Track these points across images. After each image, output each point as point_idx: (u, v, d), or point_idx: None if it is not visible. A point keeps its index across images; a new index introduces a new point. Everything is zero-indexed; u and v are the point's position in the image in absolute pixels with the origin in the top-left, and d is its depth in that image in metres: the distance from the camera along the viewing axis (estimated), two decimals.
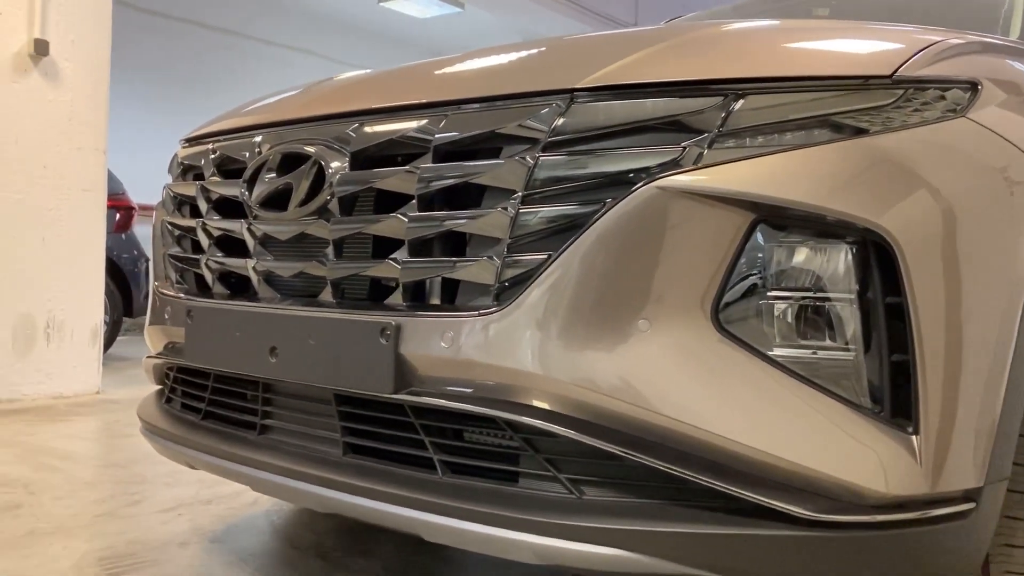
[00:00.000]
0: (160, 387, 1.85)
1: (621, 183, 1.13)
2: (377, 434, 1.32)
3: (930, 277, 1.10)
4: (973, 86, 1.22)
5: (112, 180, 5.28)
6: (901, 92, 1.15)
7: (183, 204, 1.70)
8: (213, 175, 1.60)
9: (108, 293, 5.15)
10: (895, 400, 1.11)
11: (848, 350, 1.11)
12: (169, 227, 1.71)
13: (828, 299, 1.12)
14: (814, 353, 1.11)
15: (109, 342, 5.38)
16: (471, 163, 1.22)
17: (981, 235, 1.16)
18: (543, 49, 1.41)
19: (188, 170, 1.72)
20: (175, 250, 1.69)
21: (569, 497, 1.15)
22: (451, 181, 1.23)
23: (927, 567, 1.14)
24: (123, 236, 5.58)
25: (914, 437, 1.10)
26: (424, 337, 1.21)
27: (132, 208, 5.70)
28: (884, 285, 1.10)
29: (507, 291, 1.17)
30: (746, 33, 1.31)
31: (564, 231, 1.14)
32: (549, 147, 1.17)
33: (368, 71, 1.72)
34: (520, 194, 1.16)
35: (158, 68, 9.21)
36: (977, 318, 1.14)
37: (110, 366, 4.97)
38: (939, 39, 1.27)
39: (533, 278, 1.14)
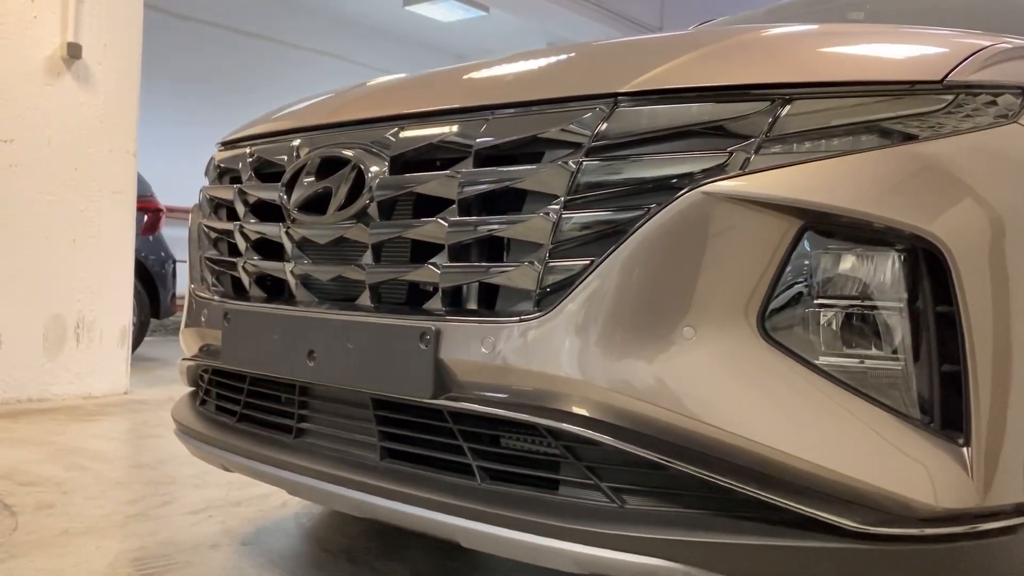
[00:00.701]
0: (194, 389, 1.85)
1: (666, 188, 1.12)
2: (415, 439, 1.31)
3: (982, 285, 1.08)
4: None
5: (140, 182, 5.32)
6: (952, 97, 1.13)
7: (220, 207, 1.70)
8: (250, 178, 1.61)
9: (135, 294, 5.20)
10: (945, 411, 1.09)
11: (897, 359, 1.09)
12: (206, 230, 1.72)
13: (876, 307, 1.10)
14: (861, 362, 1.09)
15: (136, 343, 5.43)
16: (513, 168, 1.21)
17: None
18: (583, 53, 1.40)
19: (225, 173, 1.72)
20: (212, 253, 1.70)
21: (610, 506, 1.14)
22: (492, 185, 1.22)
23: None
24: (151, 238, 5.63)
25: (965, 449, 1.08)
26: (464, 342, 1.20)
27: (160, 210, 5.75)
28: (934, 293, 1.08)
29: (548, 297, 1.16)
30: (792, 37, 1.30)
31: (607, 237, 1.13)
32: (592, 152, 1.16)
33: (403, 75, 1.72)
34: (562, 199, 1.16)
35: (186, 71, 9.31)
36: None
37: (137, 367, 5.02)
38: (988, 43, 1.25)
39: (575, 284, 1.14)
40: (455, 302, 1.26)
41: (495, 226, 1.21)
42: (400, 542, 2.10)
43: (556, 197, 1.16)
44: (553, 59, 1.40)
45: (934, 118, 1.12)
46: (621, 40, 1.48)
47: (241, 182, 1.63)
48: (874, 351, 1.10)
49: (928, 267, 1.08)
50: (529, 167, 1.20)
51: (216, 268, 1.68)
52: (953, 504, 1.07)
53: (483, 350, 1.18)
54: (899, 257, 1.09)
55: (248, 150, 1.66)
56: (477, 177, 1.23)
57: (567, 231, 1.15)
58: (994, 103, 1.16)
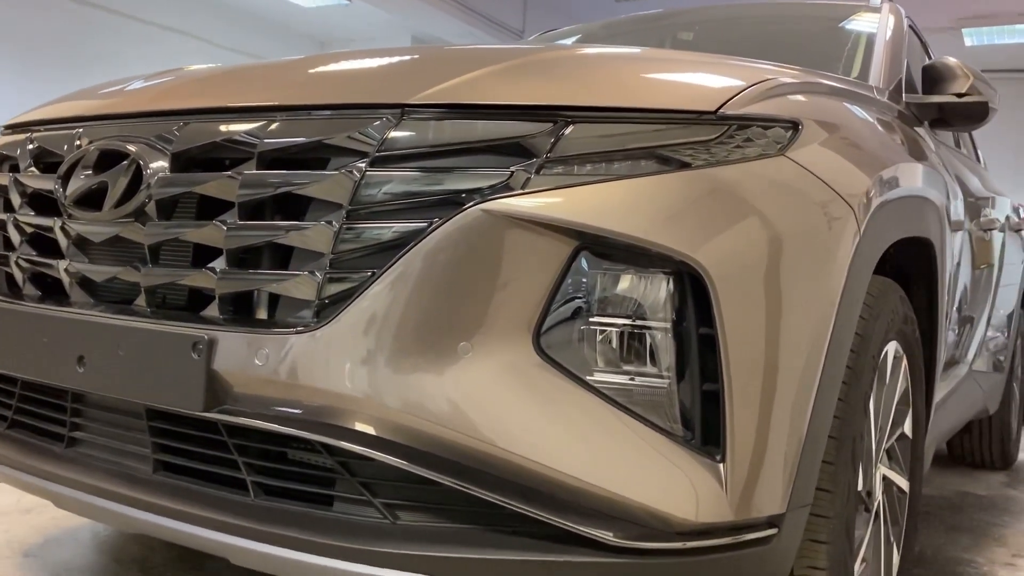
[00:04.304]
0: None
1: (448, 203, 1.11)
2: (190, 452, 1.25)
3: (740, 309, 1.13)
4: (794, 125, 1.26)
5: None
6: (724, 128, 1.18)
7: None
8: (29, 167, 1.49)
9: None
10: (705, 428, 1.13)
11: (663, 378, 1.13)
12: None
13: (646, 328, 1.13)
14: (631, 380, 1.12)
15: None
16: (296, 172, 1.17)
17: (792, 271, 1.20)
18: (387, 60, 1.38)
19: (4, 160, 1.59)
20: None
21: (383, 522, 1.13)
22: (274, 190, 1.17)
23: None
24: None
25: (721, 465, 1.13)
26: (238, 353, 1.15)
27: None
28: (697, 316, 1.12)
29: (327, 308, 1.13)
30: (583, 60, 1.32)
31: (389, 249, 1.11)
32: (377, 162, 1.14)
33: (209, 67, 1.64)
34: (345, 208, 1.13)
35: (30, 45, 8.59)
36: (786, 350, 1.18)
37: None
38: (769, 77, 1.32)
39: (354, 296, 1.11)
40: (234, 310, 1.21)
41: (275, 232, 1.16)
42: (200, 553, 2.01)
43: (339, 206, 1.14)
44: (354, 63, 1.37)
45: (706, 147, 1.16)
46: (426, 48, 1.47)
47: (19, 171, 1.50)
48: (642, 369, 1.13)
49: (692, 291, 1.12)
50: (312, 173, 1.16)
51: None
52: (709, 518, 1.12)
53: (257, 362, 1.14)
54: (667, 280, 1.13)
55: (30, 135, 1.54)
56: (258, 180, 1.19)
57: (349, 241, 1.13)
58: (764, 136, 1.22)
